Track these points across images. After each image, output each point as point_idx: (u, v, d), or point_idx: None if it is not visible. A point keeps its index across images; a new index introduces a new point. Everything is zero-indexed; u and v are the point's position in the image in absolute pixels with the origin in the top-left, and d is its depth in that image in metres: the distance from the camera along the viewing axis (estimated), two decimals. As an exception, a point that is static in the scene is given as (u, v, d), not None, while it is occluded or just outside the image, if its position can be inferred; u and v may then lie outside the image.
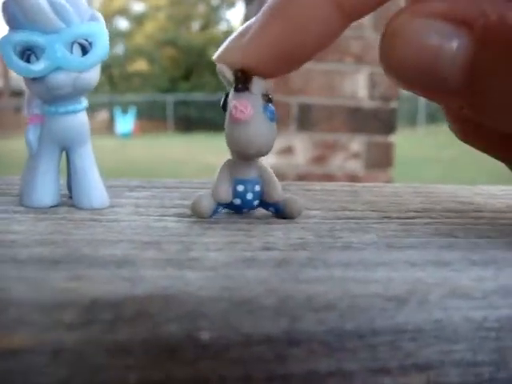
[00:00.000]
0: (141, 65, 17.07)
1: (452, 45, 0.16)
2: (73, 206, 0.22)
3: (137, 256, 0.15)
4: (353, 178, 1.47)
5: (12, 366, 0.12)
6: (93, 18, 0.21)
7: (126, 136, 10.60)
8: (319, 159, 1.47)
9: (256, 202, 0.21)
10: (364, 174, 1.49)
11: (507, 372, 0.14)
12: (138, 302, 0.12)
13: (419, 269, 0.15)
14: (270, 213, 0.22)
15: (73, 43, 0.20)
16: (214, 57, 0.20)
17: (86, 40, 0.20)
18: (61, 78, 0.20)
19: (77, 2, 0.20)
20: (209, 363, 0.12)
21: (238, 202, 0.21)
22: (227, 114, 0.20)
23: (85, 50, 0.20)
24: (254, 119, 0.19)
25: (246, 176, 0.21)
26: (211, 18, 18.73)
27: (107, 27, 0.21)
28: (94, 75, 0.21)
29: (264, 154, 0.20)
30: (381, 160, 1.51)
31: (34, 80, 0.20)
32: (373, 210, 0.23)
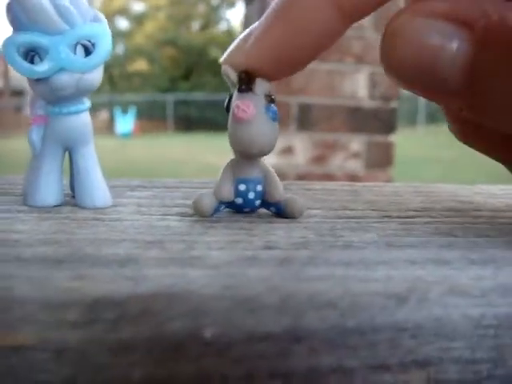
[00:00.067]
0: (141, 65, 17.08)
1: (452, 45, 0.17)
2: (76, 205, 0.22)
3: (140, 255, 0.15)
4: (353, 178, 1.47)
5: (16, 364, 0.12)
6: (95, 19, 0.21)
7: (126, 136, 10.60)
8: (319, 159, 1.47)
9: (258, 202, 0.21)
10: (364, 174, 1.49)
11: (505, 369, 0.14)
12: (141, 301, 0.13)
13: (419, 267, 0.15)
14: (272, 213, 0.22)
15: (76, 44, 0.20)
16: (221, 59, 0.20)
17: (89, 41, 0.21)
18: (64, 79, 0.20)
19: (80, 4, 0.20)
20: (212, 360, 0.12)
21: (239, 201, 0.21)
22: (230, 114, 0.20)
23: (88, 51, 0.21)
24: (256, 119, 0.20)
25: (249, 175, 0.21)
26: (211, 18, 18.73)
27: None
28: (96, 76, 0.21)
29: (266, 153, 0.21)
30: (381, 160, 1.51)
31: (38, 81, 0.20)
32: (373, 210, 0.23)
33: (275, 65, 0.20)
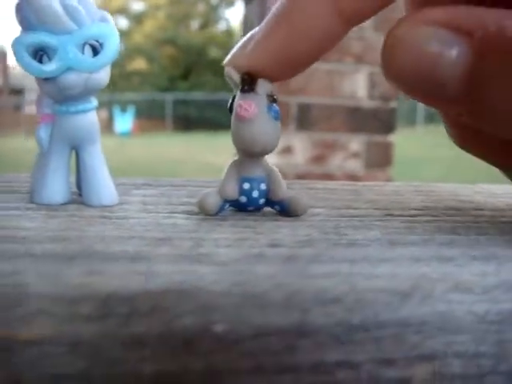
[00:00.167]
0: (140, 64, 17.07)
1: (452, 53, 0.17)
2: (82, 203, 0.22)
3: (149, 252, 0.16)
4: (352, 178, 1.47)
5: (31, 357, 0.12)
6: (103, 19, 0.21)
7: (124, 135, 10.59)
8: (319, 159, 1.47)
9: (262, 200, 0.22)
10: (363, 174, 1.49)
11: (508, 364, 0.14)
12: (152, 297, 0.13)
13: (422, 264, 0.16)
14: (276, 211, 0.22)
15: (84, 44, 0.21)
16: (223, 62, 0.21)
17: (97, 41, 0.21)
18: (72, 79, 0.20)
19: (87, 4, 0.21)
20: (222, 355, 0.13)
21: (243, 199, 0.21)
22: (233, 113, 0.21)
23: (95, 51, 0.21)
24: (258, 118, 0.20)
25: (252, 174, 0.21)
26: (210, 17, 18.73)
27: None
28: (104, 75, 0.21)
29: (268, 151, 0.21)
30: (380, 160, 1.51)
31: (46, 80, 0.21)
32: (375, 208, 0.24)
33: (277, 67, 0.20)
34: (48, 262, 0.14)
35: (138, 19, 18.26)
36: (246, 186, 0.21)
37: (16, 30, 0.21)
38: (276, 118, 0.21)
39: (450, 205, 0.25)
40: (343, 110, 1.47)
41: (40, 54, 0.20)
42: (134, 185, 0.27)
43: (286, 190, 0.22)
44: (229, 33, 17.98)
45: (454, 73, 0.17)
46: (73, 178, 0.24)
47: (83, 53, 0.21)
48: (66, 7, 0.20)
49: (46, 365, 0.12)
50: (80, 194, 0.23)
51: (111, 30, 0.21)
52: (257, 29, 0.20)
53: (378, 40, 1.43)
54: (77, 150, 0.23)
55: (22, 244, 0.16)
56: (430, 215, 0.23)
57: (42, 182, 0.22)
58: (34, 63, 0.20)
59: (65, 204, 0.22)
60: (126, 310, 0.13)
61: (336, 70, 1.44)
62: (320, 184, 0.30)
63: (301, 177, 1.43)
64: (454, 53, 0.17)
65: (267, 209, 0.22)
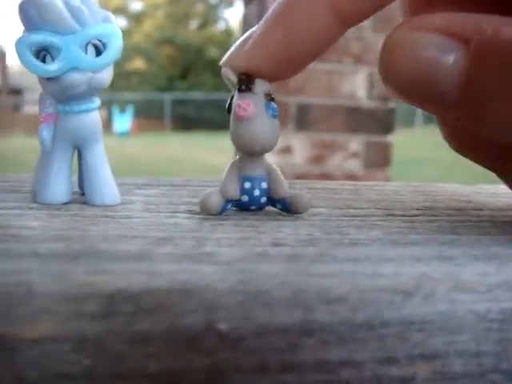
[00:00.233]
0: (139, 63, 17.06)
1: (448, 58, 0.17)
2: (84, 203, 0.22)
3: (152, 251, 0.16)
4: (351, 178, 1.47)
5: (37, 355, 0.12)
6: (106, 19, 0.21)
7: (123, 135, 10.59)
8: (317, 159, 1.48)
9: (263, 199, 0.22)
10: (362, 174, 1.49)
11: (509, 362, 0.14)
12: (156, 295, 0.13)
13: (424, 264, 0.16)
14: (278, 210, 0.22)
15: (87, 44, 0.21)
16: (221, 62, 0.21)
17: (100, 41, 0.21)
18: (75, 78, 0.20)
19: (91, 4, 0.21)
20: (226, 353, 0.13)
21: (245, 198, 0.22)
22: (232, 113, 0.21)
23: (98, 51, 0.21)
24: (256, 117, 0.20)
25: (253, 173, 0.22)
26: (209, 17, 18.73)
27: None
28: (107, 75, 0.21)
29: (268, 150, 0.21)
30: (379, 160, 1.51)
31: (49, 80, 0.21)
32: (377, 208, 0.24)
33: (274, 67, 0.20)
34: (52, 261, 0.14)
35: (136, 19, 18.26)
36: (247, 185, 0.22)
37: (18, 29, 0.21)
38: (274, 117, 0.21)
39: (451, 205, 0.25)
40: (342, 110, 1.47)
41: (43, 53, 0.20)
42: (135, 184, 0.27)
43: (287, 187, 0.22)
44: (228, 33, 17.98)
45: (451, 78, 0.17)
46: (75, 178, 0.24)
47: (86, 53, 0.21)
48: (69, 7, 0.20)
49: (50, 363, 0.12)
50: (82, 194, 0.23)
51: (114, 30, 0.21)
52: (254, 28, 0.20)
53: (377, 40, 1.43)
54: (79, 149, 0.23)
55: (26, 243, 0.16)
56: (431, 215, 0.23)
57: (44, 181, 0.22)
58: (38, 63, 0.20)
59: (67, 204, 0.22)
60: (130, 308, 0.13)
61: (335, 71, 1.44)
62: (320, 184, 0.30)
63: (300, 177, 1.43)
64: (450, 59, 0.17)
65: (269, 208, 0.22)
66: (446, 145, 0.24)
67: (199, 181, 0.29)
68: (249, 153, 0.21)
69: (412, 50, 0.17)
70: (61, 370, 0.12)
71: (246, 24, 1.58)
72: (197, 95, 14.06)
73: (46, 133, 0.22)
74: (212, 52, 16.39)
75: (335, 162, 1.48)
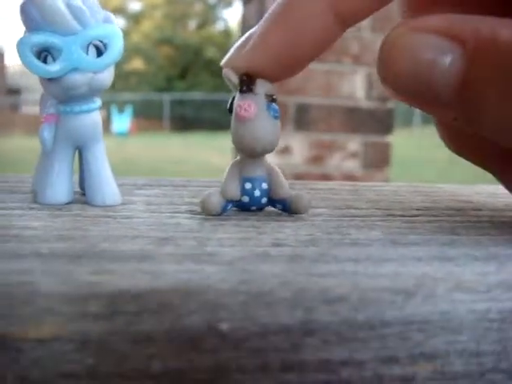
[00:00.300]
0: (137, 63, 17.06)
1: (445, 60, 0.17)
2: (85, 203, 0.22)
3: (155, 251, 0.16)
4: (350, 178, 1.47)
5: (41, 355, 0.12)
6: (107, 20, 0.21)
7: (122, 135, 10.58)
8: (316, 159, 1.48)
9: (264, 200, 0.22)
10: (361, 174, 1.50)
11: (508, 362, 0.14)
12: (160, 295, 0.13)
13: (424, 264, 0.16)
14: (278, 211, 0.22)
15: (88, 45, 0.21)
16: (221, 63, 0.21)
17: (101, 41, 0.21)
18: (77, 79, 0.20)
19: (92, 5, 0.21)
20: (228, 352, 0.13)
21: (246, 199, 0.22)
22: (233, 114, 0.21)
23: (99, 51, 0.21)
24: (258, 117, 0.20)
25: (253, 174, 0.22)
26: (208, 17, 18.73)
27: None
28: (108, 75, 0.21)
29: (269, 150, 0.21)
30: (378, 160, 1.52)
31: (51, 80, 0.21)
32: (377, 208, 0.24)
33: (275, 67, 0.20)
34: (55, 261, 0.15)
35: (135, 19, 18.25)
36: (248, 185, 0.22)
37: (18, 30, 0.21)
38: (276, 118, 0.21)
39: (450, 205, 0.25)
40: (341, 110, 1.47)
41: (44, 54, 0.20)
42: (136, 185, 0.27)
43: (287, 188, 0.22)
44: (227, 33, 17.99)
45: (448, 79, 0.17)
46: (75, 178, 0.24)
47: (87, 53, 0.21)
48: (70, 8, 0.20)
49: (53, 363, 0.12)
50: (83, 194, 0.23)
51: (115, 31, 0.21)
52: (254, 29, 0.20)
53: (375, 41, 1.44)
54: (80, 149, 0.23)
55: (28, 243, 0.16)
56: (431, 215, 0.23)
57: (45, 182, 0.22)
58: (39, 63, 0.20)
59: (68, 204, 0.22)
60: (133, 308, 0.13)
61: (334, 71, 1.44)
62: (320, 184, 0.30)
63: (299, 177, 1.43)
64: (447, 60, 0.17)
65: (270, 208, 0.22)
66: (443, 145, 0.24)
67: (200, 181, 0.29)
68: (250, 153, 0.21)
69: (410, 51, 0.18)
70: (63, 370, 0.12)
71: (245, 24, 1.58)
72: (196, 95, 14.07)
73: (47, 133, 0.22)
74: (211, 52, 16.40)
75: (334, 162, 1.48)
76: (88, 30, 0.20)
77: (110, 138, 9.20)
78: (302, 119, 1.45)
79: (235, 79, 0.21)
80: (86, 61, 0.21)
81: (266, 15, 0.20)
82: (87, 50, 0.21)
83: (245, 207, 0.22)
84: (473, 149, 0.23)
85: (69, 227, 0.18)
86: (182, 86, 15.76)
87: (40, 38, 0.20)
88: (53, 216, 0.20)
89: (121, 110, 11.39)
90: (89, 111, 0.22)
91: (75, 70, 0.20)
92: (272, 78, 0.21)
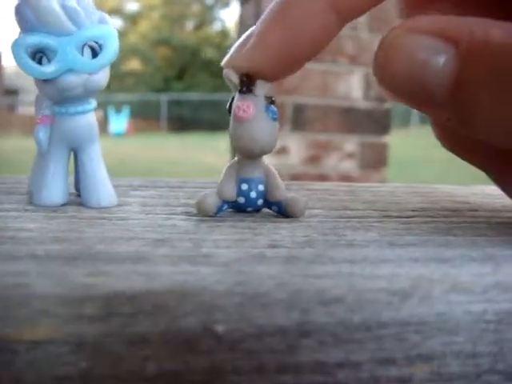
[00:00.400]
0: (134, 64, 17.05)
1: (439, 60, 0.17)
2: (81, 204, 0.22)
3: (150, 253, 0.16)
4: (347, 179, 1.47)
5: (36, 357, 0.12)
6: (102, 21, 0.21)
7: (119, 135, 10.58)
8: (313, 159, 1.48)
9: (260, 201, 0.22)
10: (358, 175, 1.50)
11: (505, 363, 0.14)
12: (155, 297, 0.13)
13: (421, 265, 0.16)
14: (274, 212, 0.22)
15: (83, 46, 0.21)
16: (222, 63, 0.21)
17: (96, 42, 0.21)
18: (72, 80, 0.20)
19: (87, 5, 0.21)
20: (224, 354, 0.13)
21: (242, 200, 0.22)
22: (232, 115, 0.21)
23: (94, 52, 0.21)
24: (256, 118, 0.20)
25: (250, 175, 0.22)
26: (205, 18, 18.73)
27: None
28: (103, 76, 0.21)
29: (267, 152, 0.21)
30: (375, 160, 1.52)
31: (46, 81, 0.21)
32: (373, 209, 0.24)
33: (274, 66, 0.20)
34: (50, 263, 0.14)
35: (132, 19, 18.24)
36: (244, 186, 0.22)
37: (14, 31, 0.21)
38: (274, 119, 0.21)
39: (447, 206, 0.25)
40: (338, 110, 1.47)
41: (39, 55, 0.20)
42: (131, 186, 0.27)
43: (283, 191, 0.22)
44: (224, 33, 17.99)
45: (441, 80, 0.17)
46: (71, 179, 0.24)
47: (82, 54, 0.21)
48: (65, 8, 0.20)
49: (48, 365, 0.12)
50: (78, 195, 0.23)
51: (110, 32, 0.21)
52: (253, 28, 0.20)
53: (372, 41, 1.44)
54: (76, 151, 0.23)
55: (23, 245, 0.16)
56: (427, 216, 0.23)
57: (41, 183, 0.22)
58: (34, 65, 0.20)
59: (64, 205, 0.22)
60: (129, 309, 0.13)
61: (331, 71, 1.44)
62: (317, 185, 0.30)
63: (296, 177, 1.43)
64: (441, 60, 0.17)
65: (266, 210, 0.22)
66: (441, 145, 0.24)
67: (196, 182, 0.29)
68: (247, 154, 0.21)
69: (405, 52, 0.18)
70: (58, 372, 0.12)
71: (243, 24, 1.58)
72: (193, 96, 14.06)
73: (43, 134, 0.22)
74: (208, 53, 16.40)
75: (331, 162, 1.48)
76: (83, 31, 0.20)
77: (107, 138, 9.19)
78: (299, 119, 1.45)
79: (236, 79, 0.21)
80: (81, 62, 0.20)
81: (265, 13, 0.20)
82: (82, 51, 0.21)
83: (241, 208, 0.22)
84: (467, 148, 0.23)
85: (64, 229, 0.18)
86: (180, 87, 15.76)
87: (35, 39, 0.20)
88: (48, 218, 0.20)
89: (118, 111, 11.39)
90: (84, 112, 0.22)
91: (70, 71, 0.20)
92: (272, 77, 0.21)
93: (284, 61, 0.20)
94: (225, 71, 0.21)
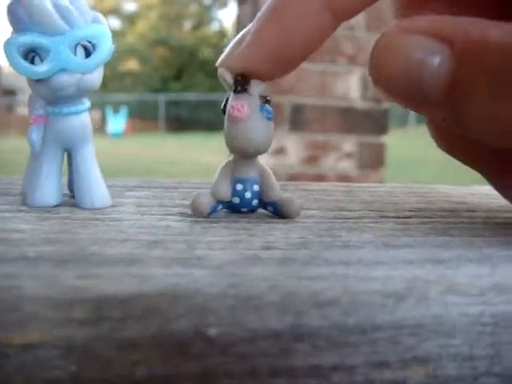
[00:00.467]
0: (132, 64, 17.04)
1: (434, 60, 0.17)
2: (75, 205, 0.22)
3: (143, 255, 0.16)
4: (345, 179, 1.47)
5: (25, 361, 0.12)
6: (95, 20, 0.21)
7: (117, 135, 10.57)
8: (311, 160, 1.48)
9: (255, 202, 0.22)
10: (356, 175, 1.49)
11: (502, 365, 0.14)
12: (146, 300, 0.13)
13: (417, 266, 0.16)
14: (269, 213, 0.22)
15: (76, 45, 0.20)
16: (217, 63, 0.21)
17: (90, 42, 0.21)
18: (64, 80, 0.20)
19: (80, 5, 0.20)
20: (216, 358, 0.13)
21: (236, 200, 0.21)
22: (226, 114, 0.21)
23: (88, 52, 0.21)
24: (251, 118, 0.20)
25: (245, 175, 0.21)
26: (203, 18, 18.73)
27: None
28: (96, 76, 0.21)
29: (261, 152, 0.21)
30: (373, 160, 1.52)
31: (38, 81, 0.20)
32: (369, 210, 0.24)
33: (269, 66, 0.20)
34: (43, 265, 0.14)
35: (130, 20, 18.23)
36: (239, 186, 0.21)
37: (6, 30, 0.21)
38: (269, 119, 0.21)
39: (444, 206, 0.25)
40: (336, 110, 1.47)
41: (32, 55, 0.20)
42: (126, 186, 0.27)
43: (278, 191, 0.21)
44: (222, 33, 17.98)
45: (437, 80, 0.17)
46: (65, 180, 0.24)
47: (75, 54, 0.20)
48: (57, 7, 0.19)
49: (37, 369, 0.12)
50: (72, 196, 0.23)
51: (104, 31, 0.21)
52: (248, 28, 0.20)
53: (370, 41, 1.44)
54: (69, 151, 0.22)
55: (17, 246, 0.16)
56: (424, 217, 0.23)
57: (34, 184, 0.22)
58: (26, 64, 0.20)
59: (57, 206, 0.22)
60: (119, 313, 0.13)
61: (329, 71, 1.44)
62: (314, 185, 0.30)
63: (294, 177, 1.43)
64: (436, 61, 0.17)
65: (261, 210, 0.22)
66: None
67: (191, 182, 0.29)
68: (242, 154, 0.21)
69: (401, 52, 0.18)
70: (48, 376, 0.12)
71: (240, 24, 1.58)
72: (191, 96, 14.06)
73: (36, 134, 0.22)
74: (206, 53, 16.40)
75: (329, 162, 1.48)
76: (76, 30, 0.20)
77: (105, 138, 9.18)
78: (297, 119, 1.44)
79: (230, 79, 0.20)
80: (73, 61, 0.20)
81: (260, 13, 0.20)
82: (75, 51, 0.20)
83: (235, 209, 0.22)
84: (463, 149, 0.23)
85: (57, 230, 0.18)
86: (178, 87, 15.76)
87: (27, 39, 0.20)
88: (41, 219, 0.20)
89: (116, 111, 11.39)
90: (77, 113, 0.22)
91: (63, 70, 0.20)
92: (267, 77, 0.21)
93: (279, 60, 0.20)
94: (219, 71, 0.21)
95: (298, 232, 0.19)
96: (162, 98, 13.38)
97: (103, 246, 0.16)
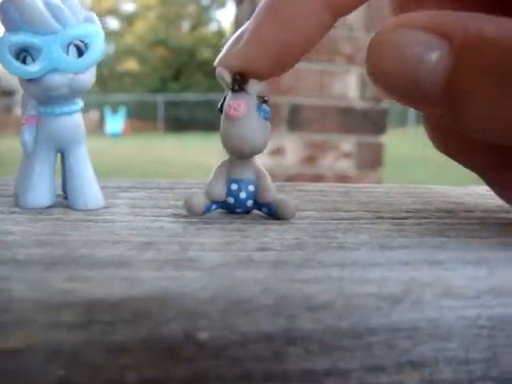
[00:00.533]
0: (131, 64, 17.03)
1: (432, 56, 0.17)
2: (68, 206, 0.22)
3: (135, 257, 0.15)
4: (343, 179, 1.47)
5: (12, 366, 0.12)
6: (88, 20, 0.21)
7: (116, 136, 10.57)
8: (310, 159, 1.47)
9: (249, 202, 0.21)
10: (355, 175, 1.49)
11: (498, 369, 0.14)
12: (136, 303, 0.13)
13: (413, 268, 0.15)
14: (264, 214, 0.22)
15: (69, 44, 0.20)
16: (215, 62, 0.21)
17: (82, 41, 0.20)
18: (56, 79, 0.20)
19: (72, 4, 0.20)
20: (207, 362, 0.12)
21: (231, 200, 0.21)
22: (223, 114, 0.20)
23: (80, 51, 0.21)
24: (247, 117, 0.20)
25: (240, 175, 0.21)
26: (201, 18, 18.72)
27: None
28: (89, 76, 0.21)
29: (258, 152, 0.21)
30: (371, 160, 1.51)
31: (30, 81, 0.20)
32: (366, 211, 0.23)
33: (268, 64, 0.20)
34: (33, 268, 0.14)
35: (128, 20, 18.22)
36: (234, 187, 0.21)
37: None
38: (266, 119, 0.21)
39: (441, 207, 0.25)
40: (334, 110, 1.47)
41: (23, 54, 0.20)
42: (120, 187, 0.26)
43: (273, 192, 0.21)
44: (220, 34, 17.97)
45: (435, 77, 0.17)
46: (58, 181, 0.23)
47: (68, 53, 0.20)
48: (49, 6, 0.19)
49: (26, 373, 0.12)
50: (65, 197, 0.23)
51: (96, 31, 0.21)
52: (246, 25, 0.20)
53: (368, 40, 1.43)
54: (62, 152, 0.22)
55: (7, 249, 0.16)
56: (421, 217, 0.22)
57: (26, 185, 0.22)
58: (17, 64, 0.20)
59: (50, 207, 0.22)
60: (109, 317, 0.12)
61: (327, 71, 1.44)
62: (310, 186, 0.30)
63: (292, 178, 1.43)
64: (434, 56, 0.17)
65: (256, 211, 0.22)
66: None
67: (187, 183, 0.28)
68: (237, 154, 0.21)
69: (397, 48, 0.17)
70: (35, 381, 0.12)
71: (238, 24, 1.58)
72: (189, 96, 14.05)
73: (28, 135, 0.21)
74: (204, 53, 16.40)
75: (327, 162, 1.48)
76: (68, 30, 0.20)
77: (104, 138, 9.18)
78: (295, 119, 1.44)
79: (228, 78, 0.20)
80: (66, 61, 0.20)
81: (257, 11, 0.20)
82: (67, 50, 0.20)
83: (230, 209, 0.22)
84: (460, 149, 0.23)
85: (48, 232, 0.18)
86: (176, 87, 15.75)
87: (19, 38, 0.19)
88: (33, 220, 0.19)
89: (114, 111, 11.38)
90: (70, 113, 0.21)
91: (55, 70, 0.20)
92: (265, 75, 0.20)
93: (277, 58, 0.20)
94: (218, 70, 0.21)
95: (293, 233, 0.19)
96: (160, 98, 13.38)
97: (94, 248, 0.16)
